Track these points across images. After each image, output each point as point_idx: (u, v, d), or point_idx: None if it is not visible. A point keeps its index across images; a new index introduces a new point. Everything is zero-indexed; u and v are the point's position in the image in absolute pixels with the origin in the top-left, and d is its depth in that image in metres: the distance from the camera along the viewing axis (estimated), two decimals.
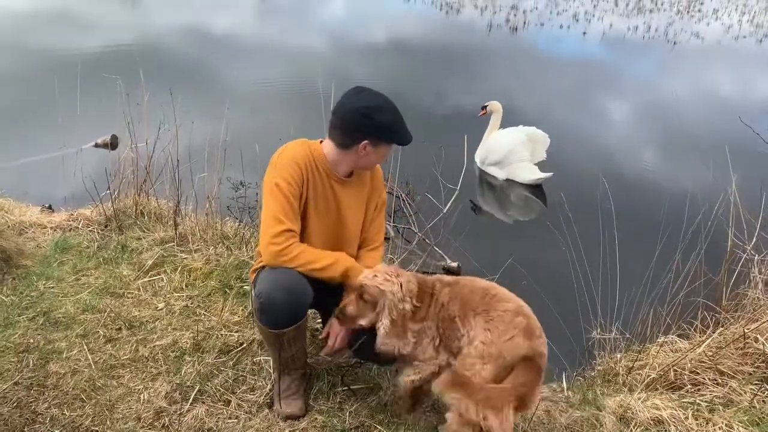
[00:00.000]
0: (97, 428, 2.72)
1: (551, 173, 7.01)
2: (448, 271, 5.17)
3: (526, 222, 6.66)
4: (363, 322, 2.65)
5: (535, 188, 7.20)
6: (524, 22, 19.18)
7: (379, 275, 2.61)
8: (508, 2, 22.93)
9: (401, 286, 2.59)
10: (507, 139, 7.24)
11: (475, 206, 6.85)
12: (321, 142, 2.83)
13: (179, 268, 3.93)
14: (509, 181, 7.28)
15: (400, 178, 5.23)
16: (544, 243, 5.46)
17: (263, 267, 2.72)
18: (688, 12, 23.39)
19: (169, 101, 4.46)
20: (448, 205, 5.31)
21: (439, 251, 5.19)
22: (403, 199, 5.88)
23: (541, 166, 7.21)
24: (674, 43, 17.27)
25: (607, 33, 18.35)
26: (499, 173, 7.35)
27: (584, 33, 18.20)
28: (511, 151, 7.17)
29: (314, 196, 2.77)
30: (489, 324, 2.48)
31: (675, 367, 3.21)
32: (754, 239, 3.86)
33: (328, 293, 2.74)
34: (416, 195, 6.19)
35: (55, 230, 4.55)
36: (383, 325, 2.58)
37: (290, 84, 10.63)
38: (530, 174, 7.13)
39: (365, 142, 2.69)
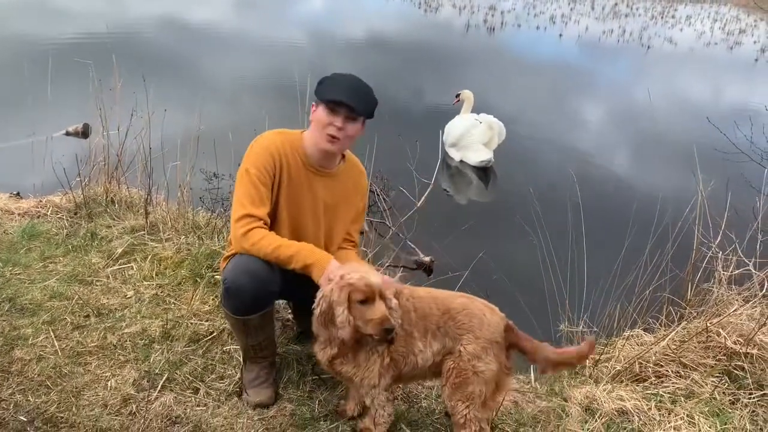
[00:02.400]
0: (62, 414, 2.68)
1: (490, 157, 7.68)
2: (421, 265, 5.19)
3: (498, 217, 6.72)
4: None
5: (484, 171, 7.78)
6: (502, 23, 19.35)
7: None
8: (486, 3, 23.12)
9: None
10: (462, 123, 7.89)
11: (440, 189, 6.99)
12: (303, 132, 2.81)
13: (149, 257, 3.89)
14: (463, 163, 7.90)
15: (374, 173, 5.24)
16: (515, 238, 5.52)
17: (234, 255, 2.70)
18: (662, 17, 23.81)
19: (143, 88, 4.41)
20: (422, 199, 5.33)
21: (412, 245, 5.21)
22: (377, 194, 5.89)
23: (496, 155, 7.77)
24: (648, 47, 17.56)
25: (583, 36, 18.59)
26: (456, 155, 7.98)
27: (560, 35, 18.42)
28: (464, 134, 7.81)
29: (288, 185, 2.74)
30: (460, 328, 2.48)
31: (640, 360, 3.27)
32: (719, 237, 3.94)
33: (299, 283, 2.66)
34: (391, 190, 6.20)
35: (23, 217, 4.47)
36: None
37: (267, 76, 10.57)
38: (477, 156, 7.72)
39: (313, 104, 2.70)
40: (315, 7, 21.26)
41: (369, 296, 2.33)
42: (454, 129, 7.92)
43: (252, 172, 2.66)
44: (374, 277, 2.37)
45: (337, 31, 16.44)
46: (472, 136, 7.76)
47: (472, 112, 8.07)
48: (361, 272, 2.39)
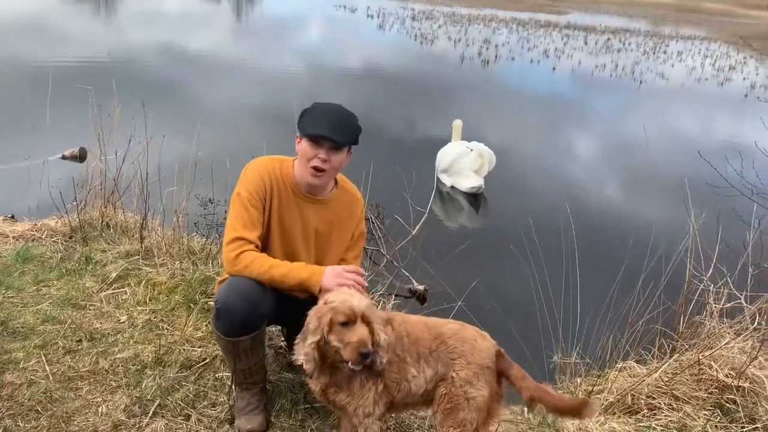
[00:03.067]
0: None
1: (480, 184, 7.88)
2: (415, 293, 5.19)
3: (491, 245, 6.73)
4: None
5: (475, 198, 7.98)
6: (496, 56, 19.63)
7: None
8: (480, 36, 23.49)
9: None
10: (453, 150, 8.13)
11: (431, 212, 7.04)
12: (294, 159, 2.84)
13: (143, 282, 3.88)
14: (454, 189, 8.09)
15: (370, 201, 5.27)
16: (509, 266, 5.54)
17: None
18: (654, 53, 24.20)
19: (141, 114, 4.45)
20: (417, 227, 5.35)
21: (407, 273, 5.22)
22: (372, 222, 5.91)
23: (489, 183, 7.96)
24: (640, 82, 17.83)
25: (576, 69, 18.87)
26: (447, 180, 8.19)
27: (554, 68, 18.68)
28: (455, 161, 8.05)
29: (278, 209, 2.76)
30: (452, 353, 2.48)
31: (632, 392, 3.27)
32: (711, 270, 3.97)
33: (292, 308, 2.67)
34: (386, 218, 6.23)
35: (17, 240, 4.46)
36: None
37: (264, 104, 10.67)
38: (467, 182, 7.92)
39: (297, 136, 2.72)
40: (313, 38, 21.56)
41: (351, 318, 2.30)
42: (445, 156, 8.17)
43: (243, 195, 2.68)
44: (360, 301, 2.36)
45: (335, 61, 16.65)
46: (463, 163, 8.00)
47: (463, 139, 8.31)
48: (346, 295, 2.38)
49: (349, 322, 2.31)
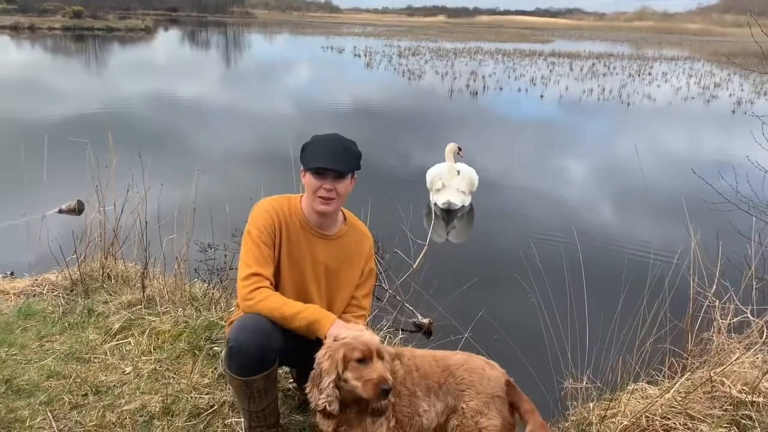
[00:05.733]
0: None
1: (453, 200, 8.18)
2: (420, 327, 5.16)
3: (494, 273, 6.71)
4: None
5: (449, 213, 8.32)
6: (484, 87, 19.91)
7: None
8: (467, 69, 23.85)
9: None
10: (435, 167, 8.58)
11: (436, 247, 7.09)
12: (301, 196, 2.88)
13: (147, 331, 3.85)
14: (435, 205, 8.42)
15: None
16: (513, 294, 5.52)
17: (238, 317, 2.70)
18: (639, 75, 24.58)
19: (138, 164, 4.48)
20: (418, 260, 5.35)
21: (410, 307, 5.19)
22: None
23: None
24: (628, 104, 18.05)
25: (564, 95, 19.12)
26: (431, 197, 8.56)
27: (542, 96, 18.92)
28: (434, 179, 8.44)
29: (288, 245, 2.78)
30: (461, 384, 2.47)
31: (646, 414, 3.23)
32: (714, 286, 3.96)
33: (302, 349, 2.63)
34: (385, 252, 6.22)
35: (18, 296, 4.44)
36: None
37: (260, 147, 10.76)
38: (442, 197, 8.26)
39: (301, 170, 2.77)
40: (302, 79, 21.85)
41: (366, 355, 2.27)
42: (428, 173, 8.62)
43: (254, 232, 2.71)
44: (372, 336, 2.34)
45: (326, 101, 16.86)
46: (441, 180, 8.38)
47: (457, 162, 8.69)
48: (356, 331, 2.36)
49: (365, 358, 2.27)
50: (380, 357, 2.31)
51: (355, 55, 28.58)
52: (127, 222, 4.63)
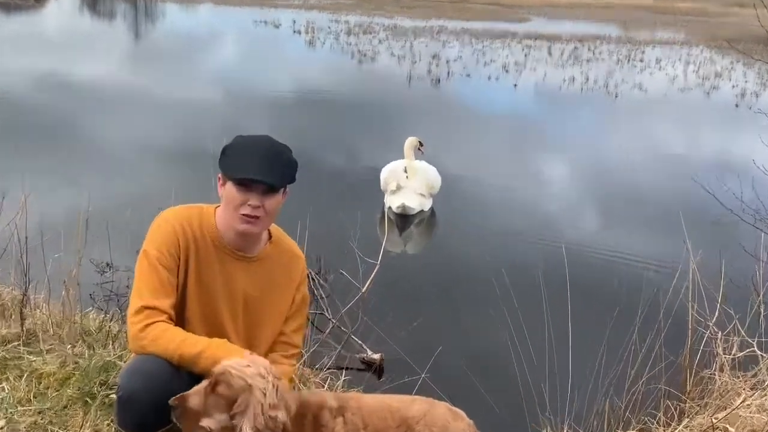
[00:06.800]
0: None
1: (407, 203, 8.22)
2: (370, 364, 5.12)
3: (460, 296, 6.72)
4: (209, 423, 2.32)
5: (405, 219, 8.38)
6: (448, 73, 20.13)
7: (253, 367, 2.34)
8: (428, 50, 24.08)
9: (277, 389, 2.31)
10: (388, 166, 8.62)
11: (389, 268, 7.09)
12: (216, 207, 2.75)
13: (26, 374, 3.71)
14: (390, 209, 8.45)
15: (309, 254, 5.19)
16: (481, 321, 5.54)
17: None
18: (628, 61, 25.25)
19: (16, 164, 4.32)
20: (368, 283, 5.30)
21: (358, 341, 5.15)
22: (313, 280, 5.83)
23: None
24: (616, 95, 18.49)
25: (541, 84, 19.47)
26: (386, 199, 8.60)
27: (515, 85, 19.23)
28: (389, 178, 8.48)
29: (196, 269, 2.66)
30: None
31: None
32: (716, 314, 4.03)
33: None
34: (329, 273, 6.17)
35: None
36: None
37: (173, 143, 10.58)
38: (396, 200, 8.29)
39: (218, 176, 2.64)
40: (229, 59, 21.65)
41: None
42: (383, 172, 8.64)
43: (152, 253, 2.57)
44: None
45: (258, 87, 16.72)
46: (395, 181, 8.40)
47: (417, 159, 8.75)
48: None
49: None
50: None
51: (295, 31, 28.51)
52: (1, 236, 4.46)
